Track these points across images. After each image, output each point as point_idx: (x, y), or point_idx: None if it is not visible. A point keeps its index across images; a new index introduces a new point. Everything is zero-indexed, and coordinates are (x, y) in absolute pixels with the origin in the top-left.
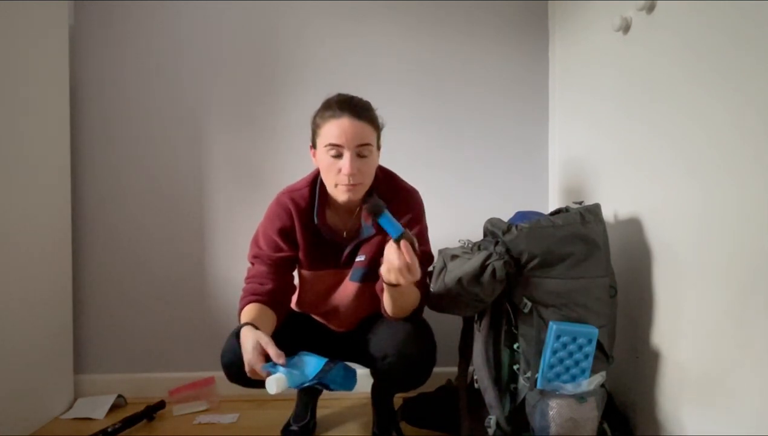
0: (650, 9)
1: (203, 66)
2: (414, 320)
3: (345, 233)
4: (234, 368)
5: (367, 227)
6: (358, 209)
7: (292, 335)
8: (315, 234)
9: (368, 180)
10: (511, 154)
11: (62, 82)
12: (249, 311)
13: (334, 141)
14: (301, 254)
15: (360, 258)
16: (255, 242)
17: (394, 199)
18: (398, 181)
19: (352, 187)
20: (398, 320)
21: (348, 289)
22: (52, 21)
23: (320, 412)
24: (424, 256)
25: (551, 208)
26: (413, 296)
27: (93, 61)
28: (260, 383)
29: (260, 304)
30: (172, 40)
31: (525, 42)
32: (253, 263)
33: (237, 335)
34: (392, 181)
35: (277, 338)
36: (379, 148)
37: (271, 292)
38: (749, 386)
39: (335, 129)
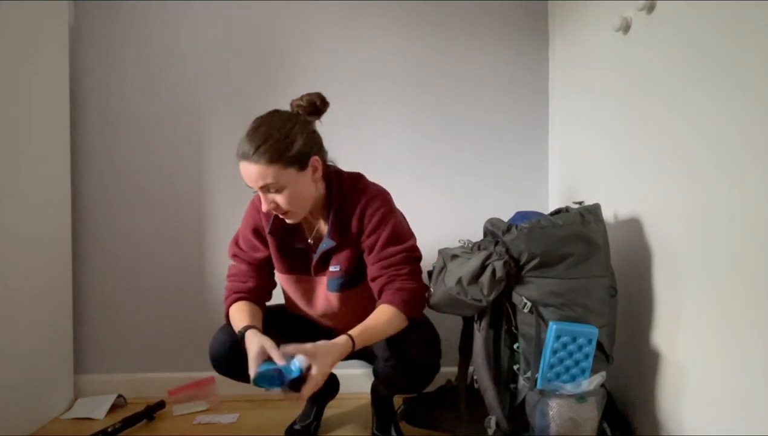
0: (650, 9)
1: (203, 66)
2: (418, 323)
3: (310, 239)
4: (220, 359)
5: (328, 240)
6: (321, 220)
7: (296, 334)
8: (280, 238)
9: (296, 207)
10: (511, 155)
11: (62, 82)
12: (239, 310)
13: (245, 180)
14: (272, 256)
15: (335, 268)
16: (235, 240)
17: (355, 207)
18: (360, 187)
19: (283, 214)
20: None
21: (331, 299)
22: (52, 21)
23: None
24: (409, 252)
25: (551, 208)
26: (387, 331)
27: (93, 61)
28: (247, 378)
29: (245, 301)
30: (172, 40)
31: (525, 42)
32: (233, 262)
33: (224, 329)
34: (355, 189)
35: (282, 337)
36: (303, 169)
37: (253, 290)
38: (749, 386)
39: (241, 171)
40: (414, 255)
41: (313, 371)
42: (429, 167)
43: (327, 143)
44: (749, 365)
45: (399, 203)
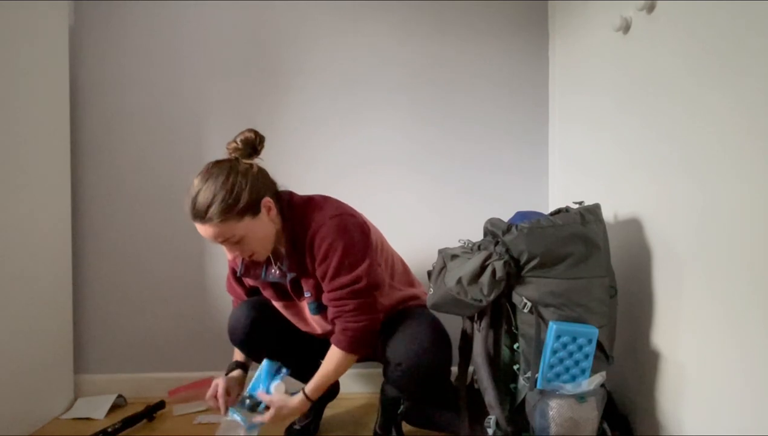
0: (650, 9)
1: (203, 66)
2: (431, 326)
3: (275, 269)
4: (236, 333)
5: (290, 274)
6: (283, 253)
7: (305, 339)
8: (253, 276)
9: (260, 248)
10: (511, 154)
11: (62, 82)
12: None
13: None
14: (259, 290)
15: (307, 294)
16: (227, 277)
17: (306, 236)
18: (309, 215)
19: (249, 257)
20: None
21: (318, 321)
22: (52, 21)
23: None
24: (354, 284)
25: (551, 208)
26: (339, 373)
27: (93, 61)
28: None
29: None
30: (172, 40)
31: (525, 42)
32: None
33: (240, 307)
34: (305, 217)
35: (294, 342)
36: (256, 214)
37: None
38: (749, 386)
39: (198, 229)
40: (358, 288)
41: (270, 411)
42: (429, 167)
43: (326, 143)
44: (750, 365)
45: (399, 203)
